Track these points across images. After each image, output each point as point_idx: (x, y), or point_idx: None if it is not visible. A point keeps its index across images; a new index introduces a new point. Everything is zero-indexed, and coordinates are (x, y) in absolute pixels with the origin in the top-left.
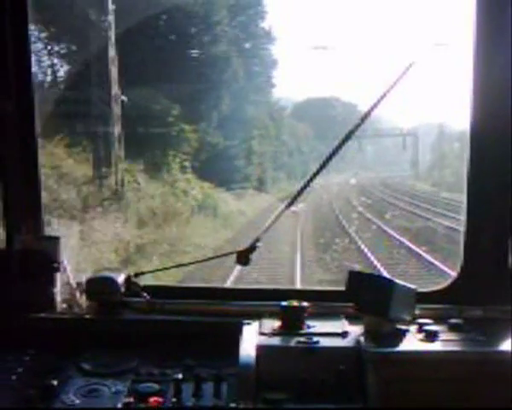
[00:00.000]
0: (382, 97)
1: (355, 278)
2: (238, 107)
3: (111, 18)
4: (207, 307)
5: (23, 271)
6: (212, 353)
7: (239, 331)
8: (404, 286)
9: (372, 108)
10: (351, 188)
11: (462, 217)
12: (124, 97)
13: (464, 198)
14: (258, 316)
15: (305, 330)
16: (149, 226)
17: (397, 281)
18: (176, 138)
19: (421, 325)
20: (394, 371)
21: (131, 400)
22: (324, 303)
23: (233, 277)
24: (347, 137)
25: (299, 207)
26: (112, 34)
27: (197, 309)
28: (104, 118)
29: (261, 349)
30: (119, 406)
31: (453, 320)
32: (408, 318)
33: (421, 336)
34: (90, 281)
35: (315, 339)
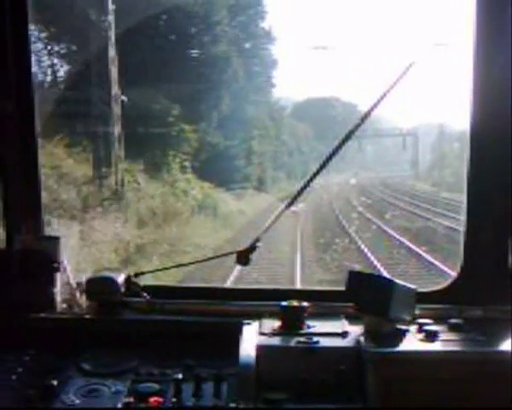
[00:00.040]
0: (382, 97)
1: (355, 278)
2: (238, 107)
3: (111, 18)
4: (207, 307)
5: (23, 271)
6: (212, 353)
7: (239, 331)
8: (404, 286)
9: (372, 108)
10: (351, 188)
11: (462, 217)
12: (124, 97)
13: (464, 198)
14: (258, 316)
15: (305, 331)
16: (149, 226)
17: (397, 281)
18: (176, 138)
19: (421, 325)
20: (394, 371)
21: (131, 400)
22: (324, 303)
23: (233, 277)
24: (347, 137)
25: (299, 207)
26: (112, 34)
27: (197, 309)
28: (104, 118)
29: (261, 349)
30: (119, 406)
31: (453, 320)
32: (408, 318)
33: (421, 336)
34: (90, 281)
35: (315, 339)
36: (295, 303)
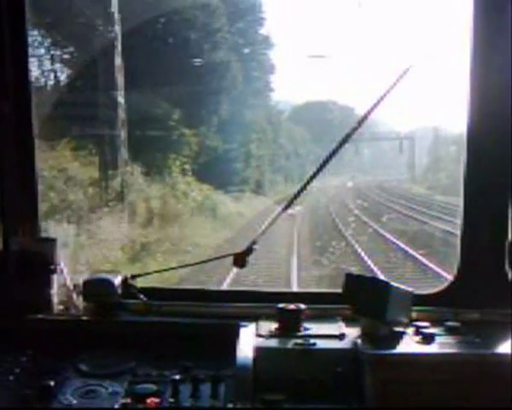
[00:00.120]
0: (379, 101)
1: (352, 280)
2: (237, 111)
3: (117, 28)
4: (204, 310)
5: (20, 272)
6: (210, 354)
7: (236, 333)
8: (400, 289)
9: (369, 112)
10: (347, 191)
11: (455, 219)
12: (121, 99)
13: (461, 201)
14: (255, 318)
15: (302, 333)
16: (152, 226)
17: (393, 284)
18: (176, 142)
19: (417, 327)
20: (391, 373)
21: (129, 401)
22: (321, 305)
23: (232, 273)
24: (344, 141)
25: (296, 209)
26: (118, 44)
27: (194, 311)
28: (110, 122)
29: (258, 351)
30: (117, 406)
31: (450, 323)
32: (405, 320)
33: (417, 338)
34: (86, 283)
35: (312, 341)
36: (292, 305)
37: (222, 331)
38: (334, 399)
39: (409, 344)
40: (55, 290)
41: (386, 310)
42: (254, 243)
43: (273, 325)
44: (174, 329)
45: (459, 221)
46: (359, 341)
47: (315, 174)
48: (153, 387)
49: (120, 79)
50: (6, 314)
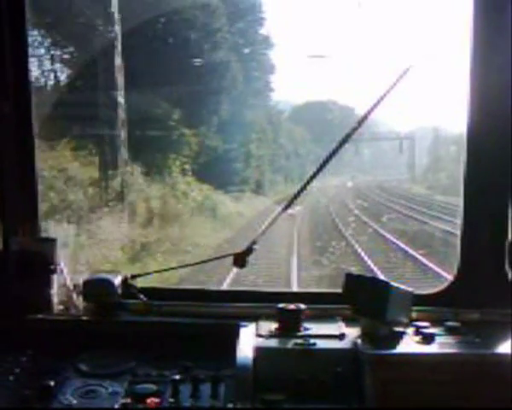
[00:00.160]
0: (379, 101)
1: (352, 280)
2: (237, 111)
3: (117, 28)
4: (204, 310)
5: (20, 272)
6: (210, 354)
7: (236, 333)
8: (400, 289)
9: (369, 112)
10: (347, 191)
11: (455, 219)
12: (121, 99)
13: (461, 201)
14: (255, 318)
15: (303, 333)
16: (152, 226)
17: (393, 284)
18: (177, 142)
19: (417, 327)
20: (391, 373)
21: (129, 401)
22: (321, 305)
23: (233, 273)
24: (344, 141)
25: (295, 209)
26: (118, 44)
27: (194, 311)
28: (110, 122)
29: (258, 351)
30: (117, 406)
31: (450, 323)
32: (405, 320)
33: (417, 338)
34: (86, 283)
35: (312, 341)
36: (292, 305)
37: (222, 331)
38: (334, 399)
39: (409, 344)
40: (55, 290)
41: (386, 310)
42: (254, 243)
43: (273, 325)
44: (174, 329)
45: (459, 221)
46: (359, 341)
47: (315, 174)
48: (153, 387)
49: (120, 78)
50: (6, 314)
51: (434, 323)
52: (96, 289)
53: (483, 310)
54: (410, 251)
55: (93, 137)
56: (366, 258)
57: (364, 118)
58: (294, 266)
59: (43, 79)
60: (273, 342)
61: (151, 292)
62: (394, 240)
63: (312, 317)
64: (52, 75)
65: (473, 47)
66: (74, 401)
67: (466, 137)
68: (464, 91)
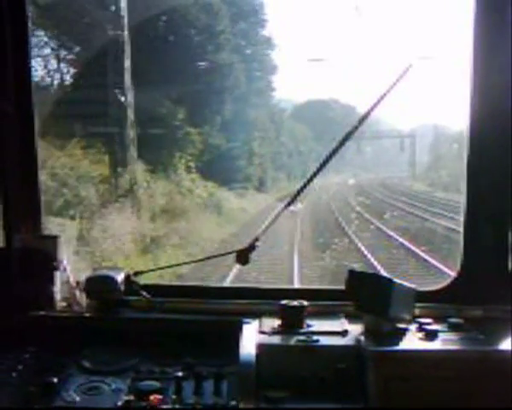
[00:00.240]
0: (380, 99)
1: (354, 277)
2: (240, 110)
3: (126, 34)
4: (207, 306)
5: (23, 269)
6: (212, 351)
7: (239, 330)
8: (403, 286)
9: (370, 110)
10: (349, 188)
11: (456, 215)
12: (130, 100)
13: (463, 198)
14: (257, 315)
15: (305, 329)
16: (161, 221)
17: (396, 280)
18: (182, 140)
19: (420, 324)
20: (394, 369)
21: (132, 397)
22: (324, 302)
23: (235, 269)
24: (346, 139)
25: (297, 207)
26: (127, 48)
27: (197, 308)
28: (120, 122)
29: (261, 348)
30: (120, 403)
31: (453, 320)
32: (407, 317)
33: (420, 335)
34: (89, 280)
35: (315, 338)
36: (295, 302)
37: (225, 328)
38: (336, 395)
39: (412, 341)
40: (57, 287)
41: (389, 307)
42: (257, 239)
43: (276, 322)
44: (177, 326)
45: (461, 218)
46: (362, 337)
47: (317, 172)
48: (156, 384)
49: (128, 79)
50: (9, 311)
51: (437, 319)
52: (98, 285)
53: (486, 307)
54: (413, 248)
55: (103, 136)
56: (370, 255)
57: (366, 116)
58: (296, 262)
59: (51, 80)
60: (276, 339)
61: (154, 289)
62: (397, 237)
63: (315, 314)
64: (61, 76)
65: (474, 46)
66: (77, 398)
67: (468, 135)
68: (465, 91)
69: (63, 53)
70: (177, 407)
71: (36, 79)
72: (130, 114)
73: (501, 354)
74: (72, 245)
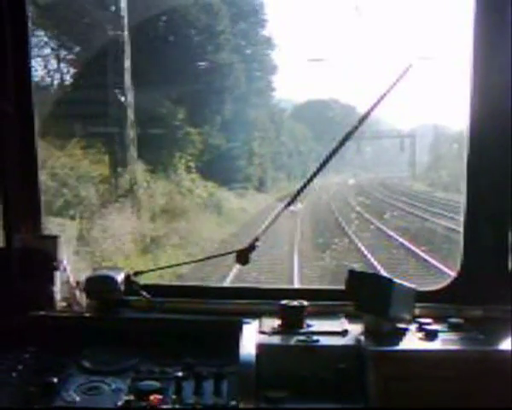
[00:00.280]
0: (380, 99)
1: (354, 277)
2: (240, 110)
3: (126, 34)
4: (207, 306)
5: (23, 269)
6: (212, 351)
7: (239, 330)
8: (403, 285)
9: (370, 110)
10: (349, 188)
11: (455, 215)
12: (130, 100)
13: (463, 198)
14: (257, 315)
15: (305, 329)
16: (161, 221)
17: (396, 280)
18: (182, 140)
19: (420, 324)
20: (394, 369)
21: (132, 397)
22: (324, 302)
23: (235, 269)
24: (346, 139)
25: (298, 207)
26: (128, 48)
27: (197, 308)
28: (120, 122)
29: (261, 348)
30: (120, 403)
31: (453, 320)
32: (407, 317)
33: (420, 335)
34: (89, 279)
35: (315, 338)
36: (295, 302)
37: (225, 328)
38: (336, 395)
39: (412, 341)
40: (57, 287)
41: (389, 307)
42: (257, 239)
43: (276, 322)
44: (177, 326)
45: (461, 218)
46: (362, 337)
47: (317, 172)
48: (156, 384)
49: (129, 80)
50: (9, 311)
51: (437, 319)
52: (98, 285)
53: (486, 307)
54: (413, 248)
55: (103, 136)
56: (369, 255)
57: (366, 116)
58: (296, 262)
59: (51, 80)
60: (276, 339)
61: (153, 289)
62: (397, 237)
63: (315, 314)
64: (61, 76)
65: (474, 46)
66: (77, 398)
67: (468, 135)
68: (465, 90)
69: (63, 53)
70: (177, 407)
71: (36, 79)
72: (131, 114)
73: (501, 354)
74: (72, 245)
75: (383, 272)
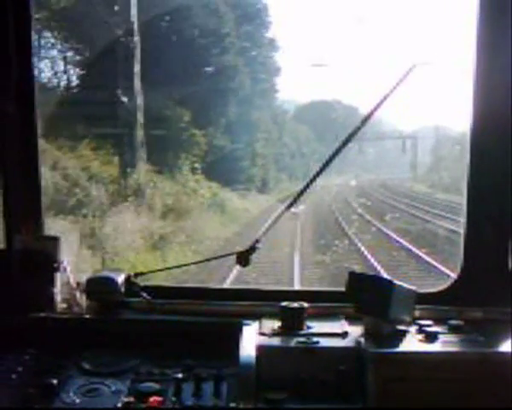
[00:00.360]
0: (383, 101)
1: (355, 278)
2: (244, 112)
3: (137, 39)
4: (207, 308)
5: (23, 271)
6: (212, 353)
7: (239, 332)
8: (403, 287)
9: (373, 111)
10: (351, 189)
11: (457, 217)
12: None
13: (464, 200)
14: (257, 316)
15: (305, 331)
16: (168, 220)
17: (396, 282)
18: (187, 142)
19: (420, 326)
20: (394, 371)
21: (131, 399)
22: (324, 304)
23: (235, 270)
24: (348, 140)
25: (299, 208)
26: (138, 52)
27: (197, 309)
28: (129, 124)
29: (261, 349)
30: (119, 405)
31: (453, 321)
32: (408, 319)
33: (420, 336)
34: (89, 281)
35: (315, 339)
36: (295, 304)
37: (224, 330)
38: (336, 397)
39: (412, 343)
40: (58, 289)
41: (390, 308)
42: (257, 241)
43: (276, 324)
44: (177, 327)
45: (461, 219)
46: (362, 339)
47: (318, 173)
48: (155, 386)
49: (138, 84)
50: (9, 312)
51: (437, 321)
52: (99, 287)
53: (486, 308)
54: (414, 249)
55: (113, 137)
56: (369, 257)
57: (368, 117)
58: (297, 264)
59: (57, 82)
60: (276, 341)
61: (154, 290)
62: (398, 238)
63: (315, 315)
64: (72, 79)
65: (477, 48)
66: (77, 400)
67: (470, 137)
68: (468, 92)
69: (73, 56)
70: (176, 407)
71: (44, 81)
72: (140, 117)
73: (501, 356)
74: (85, 241)
75: (384, 274)
